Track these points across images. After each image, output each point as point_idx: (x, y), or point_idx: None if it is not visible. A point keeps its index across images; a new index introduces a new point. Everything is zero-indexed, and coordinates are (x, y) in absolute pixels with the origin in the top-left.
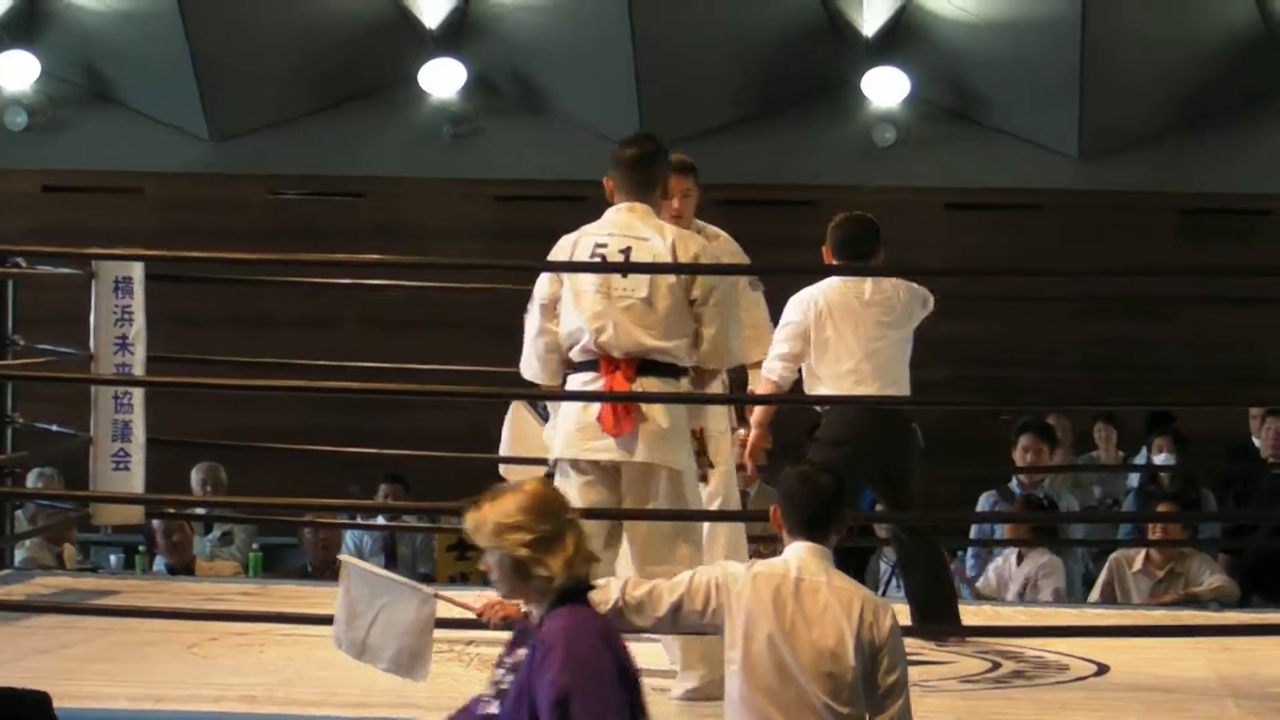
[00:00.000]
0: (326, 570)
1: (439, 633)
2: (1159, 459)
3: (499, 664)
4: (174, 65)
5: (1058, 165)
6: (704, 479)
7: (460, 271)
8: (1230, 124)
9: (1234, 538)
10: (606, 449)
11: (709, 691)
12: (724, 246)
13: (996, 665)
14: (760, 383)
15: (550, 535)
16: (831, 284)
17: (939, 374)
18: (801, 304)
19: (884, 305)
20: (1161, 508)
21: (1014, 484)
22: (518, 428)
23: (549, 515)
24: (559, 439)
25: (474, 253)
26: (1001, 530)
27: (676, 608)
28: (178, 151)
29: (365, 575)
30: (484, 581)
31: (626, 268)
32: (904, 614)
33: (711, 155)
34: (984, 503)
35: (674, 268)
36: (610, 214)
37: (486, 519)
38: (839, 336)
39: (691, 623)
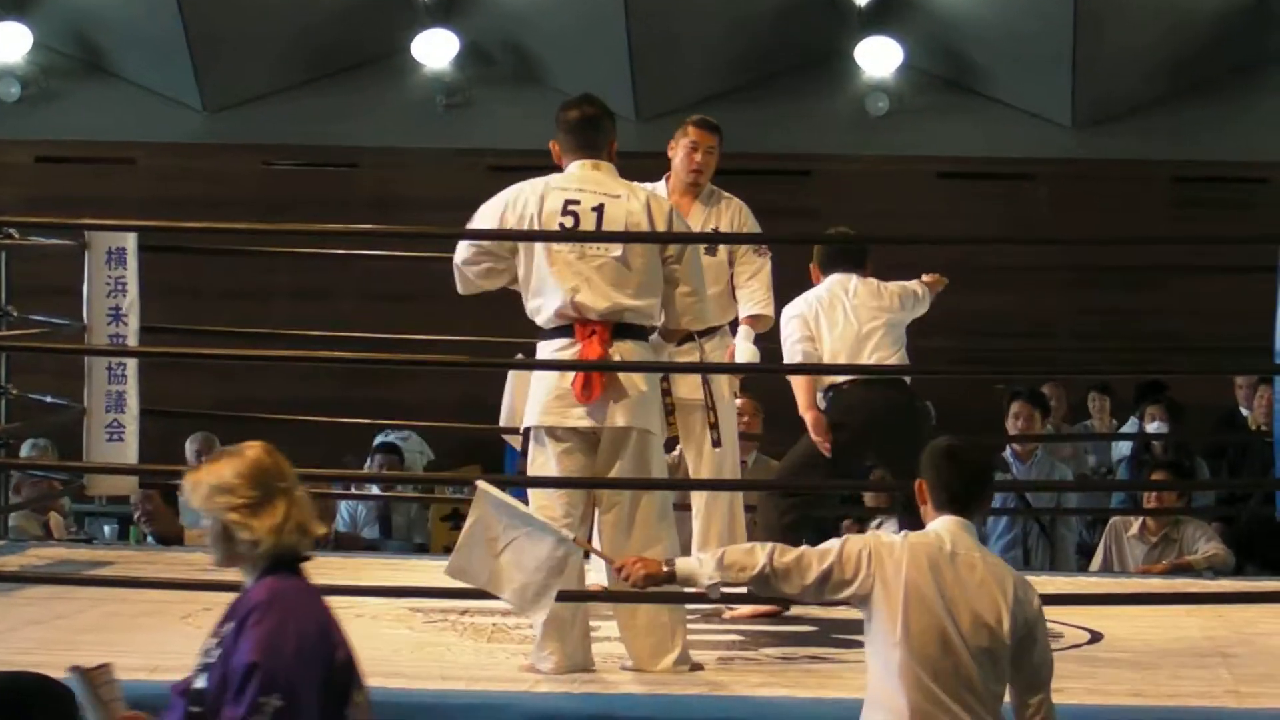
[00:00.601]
0: (321, 540)
1: (431, 602)
2: (1151, 428)
3: (213, 634)
4: (167, 35)
5: (1051, 134)
6: (669, 446)
7: (455, 241)
8: (1223, 92)
9: (1227, 506)
10: (579, 416)
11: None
12: (740, 212)
13: None
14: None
15: (258, 500)
16: (820, 289)
17: (932, 344)
18: (798, 313)
19: (873, 296)
20: (1156, 476)
21: (1008, 453)
22: (520, 392)
23: (262, 481)
24: (533, 407)
25: (468, 222)
26: (999, 500)
27: (825, 576)
28: (171, 122)
29: (502, 504)
30: None
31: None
32: None
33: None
34: None
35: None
36: (575, 168)
37: (201, 481)
38: (831, 328)
39: (838, 592)
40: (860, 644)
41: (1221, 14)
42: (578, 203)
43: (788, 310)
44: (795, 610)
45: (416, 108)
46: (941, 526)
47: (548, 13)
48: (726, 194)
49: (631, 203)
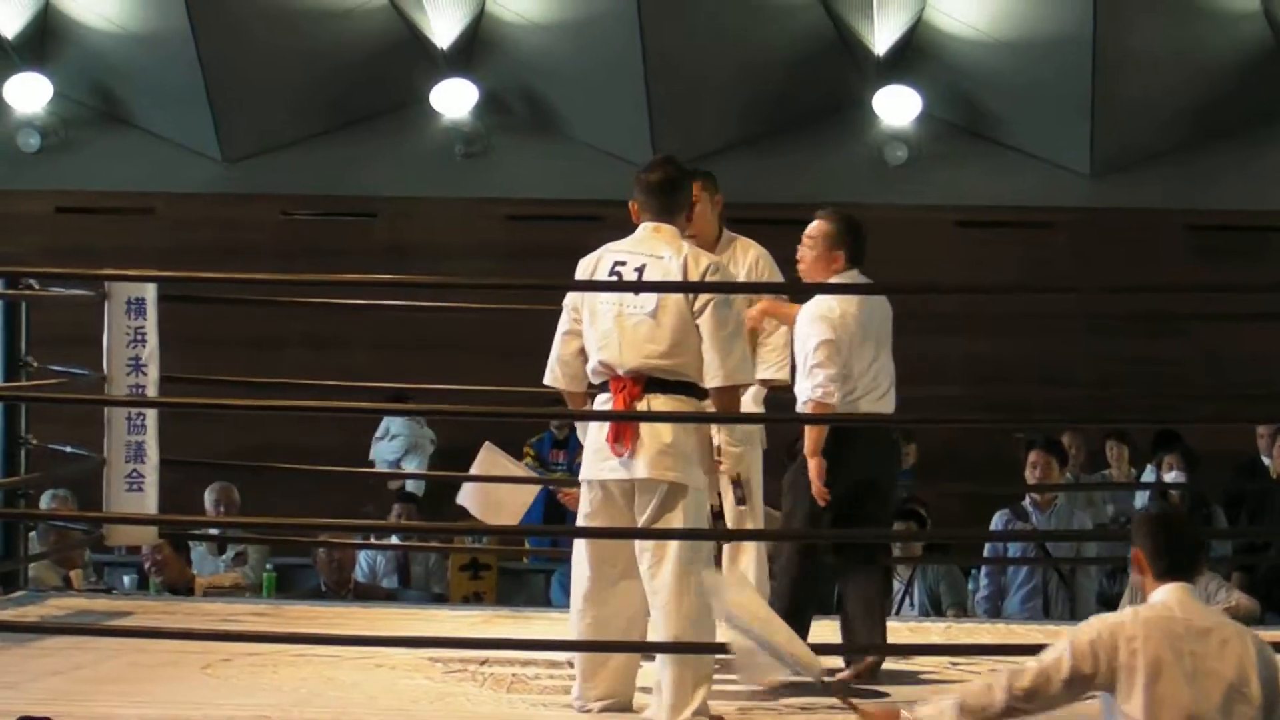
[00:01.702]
0: (341, 590)
1: (451, 652)
2: (1169, 477)
3: None
4: (186, 86)
5: (1069, 182)
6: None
7: (472, 291)
8: (1241, 140)
9: (1246, 555)
10: (613, 469)
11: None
12: (757, 260)
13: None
14: (810, 405)
15: None
16: (849, 303)
17: (950, 391)
18: (831, 319)
19: (882, 316)
20: None
21: (1027, 502)
22: (488, 469)
23: None
24: (584, 459)
25: (486, 272)
26: (1014, 549)
27: (1069, 682)
28: (190, 172)
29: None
30: (497, 601)
31: (624, 286)
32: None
33: (722, 174)
34: (997, 522)
35: (678, 286)
36: (639, 232)
37: None
38: (850, 351)
39: (1085, 690)
40: (879, 694)
41: (1238, 63)
42: (624, 264)
43: (820, 318)
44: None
45: (434, 157)
46: (1169, 596)
47: (566, 62)
48: (745, 240)
49: (671, 263)
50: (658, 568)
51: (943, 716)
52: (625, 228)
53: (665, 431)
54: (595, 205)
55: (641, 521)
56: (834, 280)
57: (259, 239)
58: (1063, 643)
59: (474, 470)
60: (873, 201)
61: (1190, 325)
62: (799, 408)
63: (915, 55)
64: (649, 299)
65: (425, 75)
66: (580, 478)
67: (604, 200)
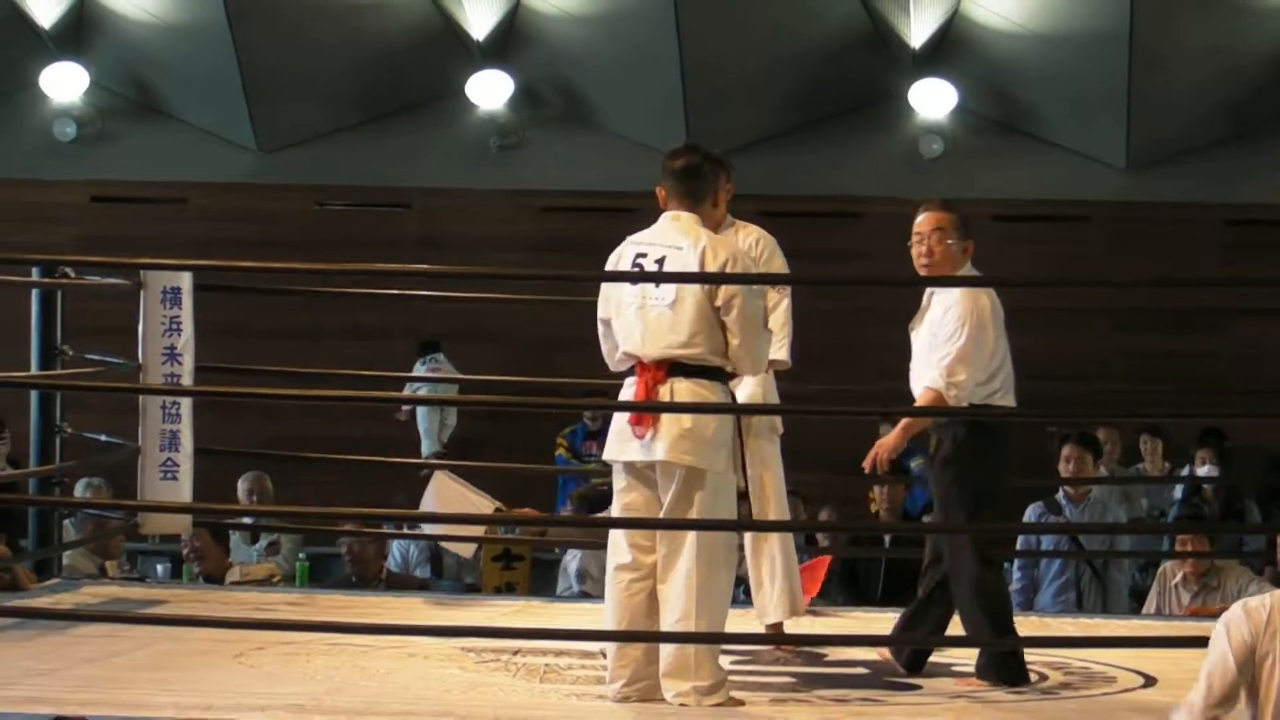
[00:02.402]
0: (371, 581)
1: (483, 642)
2: (1202, 471)
3: None
4: (221, 76)
5: (1105, 177)
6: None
7: (506, 283)
8: (1277, 135)
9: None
10: (634, 451)
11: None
12: (758, 240)
13: (1044, 677)
14: (929, 394)
15: None
16: (991, 294)
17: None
18: (982, 313)
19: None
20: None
21: (1060, 496)
22: (442, 495)
23: None
24: (608, 442)
25: (520, 263)
26: (1047, 542)
27: (1234, 686)
28: (225, 162)
29: None
30: (530, 591)
31: (644, 277)
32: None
33: (757, 166)
34: (1030, 514)
35: (697, 277)
36: (660, 222)
37: None
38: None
39: (1233, 693)
40: (913, 686)
41: (1275, 58)
42: (645, 255)
43: (978, 307)
44: (847, 653)
45: (469, 149)
46: None
47: (601, 54)
48: (747, 225)
49: (689, 254)
50: (675, 553)
51: None
52: (657, 219)
53: (685, 415)
54: (629, 197)
55: (665, 503)
56: (964, 273)
57: (293, 230)
58: (1220, 642)
59: (430, 497)
60: (907, 195)
61: (1225, 320)
62: (917, 389)
63: (951, 49)
64: (668, 290)
65: (461, 67)
66: (604, 458)
67: (638, 193)
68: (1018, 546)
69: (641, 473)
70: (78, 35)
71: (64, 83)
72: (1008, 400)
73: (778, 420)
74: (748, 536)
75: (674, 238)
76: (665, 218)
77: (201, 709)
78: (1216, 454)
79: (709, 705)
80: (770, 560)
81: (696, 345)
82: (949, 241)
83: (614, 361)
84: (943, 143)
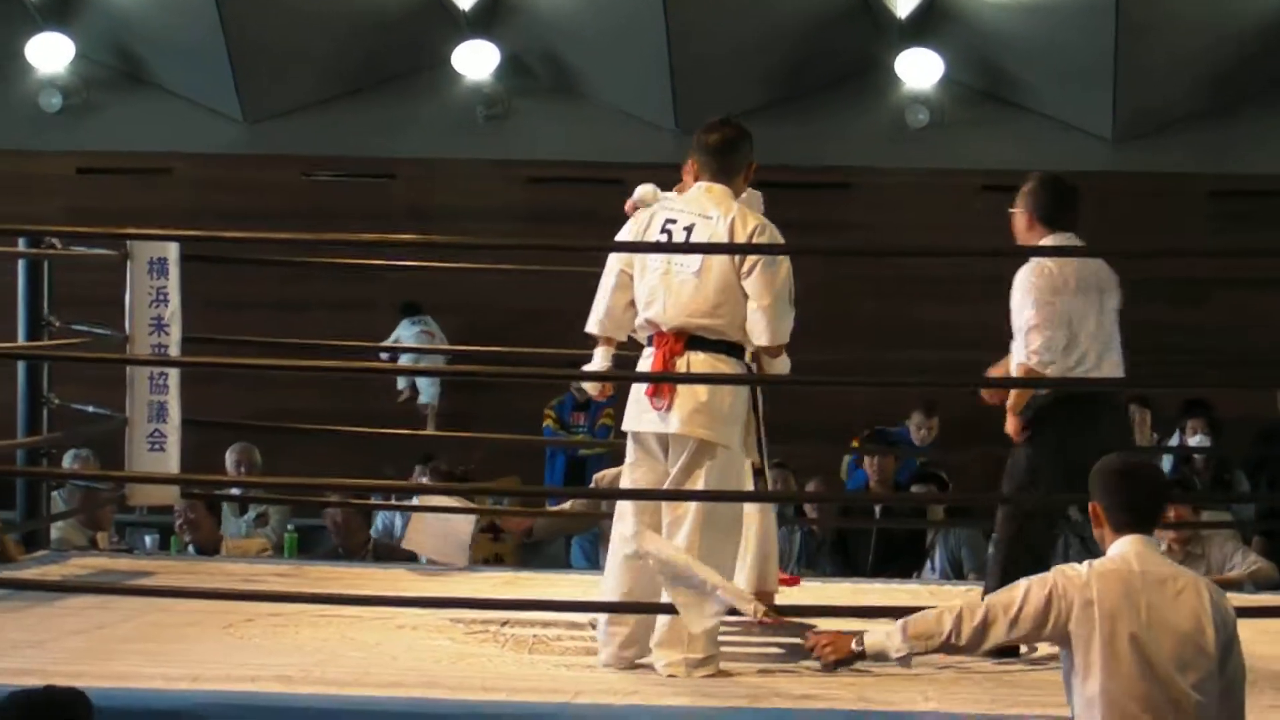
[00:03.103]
0: (357, 552)
1: (472, 613)
2: (1192, 441)
3: None
4: (207, 47)
5: (1091, 147)
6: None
7: (493, 253)
8: (1264, 106)
9: (1268, 520)
10: (650, 421)
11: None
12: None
13: (1033, 648)
14: (1020, 369)
15: None
16: (1075, 265)
17: (972, 355)
18: (1053, 281)
19: (1106, 276)
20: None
21: None
22: (421, 523)
23: None
24: (626, 412)
25: (507, 234)
26: None
27: (1018, 626)
28: (211, 133)
29: None
30: (519, 563)
31: (639, 247)
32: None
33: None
34: None
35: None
36: (692, 191)
37: None
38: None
39: (1033, 639)
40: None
41: (1263, 28)
42: (675, 222)
43: (1036, 285)
44: (838, 624)
45: (456, 119)
46: (1127, 548)
47: (588, 25)
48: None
49: (719, 224)
50: (677, 523)
51: (890, 639)
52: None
53: (701, 389)
54: (616, 168)
55: (671, 473)
56: (1044, 243)
57: (280, 200)
58: (1019, 589)
59: (414, 531)
60: (894, 165)
61: (1212, 291)
62: (1013, 370)
63: (937, 18)
64: (695, 258)
65: (447, 37)
66: (623, 428)
67: (625, 163)
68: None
69: (651, 447)
70: (63, 6)
71: (50, 53)
72: (1105, 371)
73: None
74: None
75: (705, 206)
76: (698, 187)
77: (190, 680)
78: (1207, 424)
79: (698, 676)
80: (753, 536)
81: (720, 316)
82: (1017, 211)
83: (609, 321)
84: (929, 113)
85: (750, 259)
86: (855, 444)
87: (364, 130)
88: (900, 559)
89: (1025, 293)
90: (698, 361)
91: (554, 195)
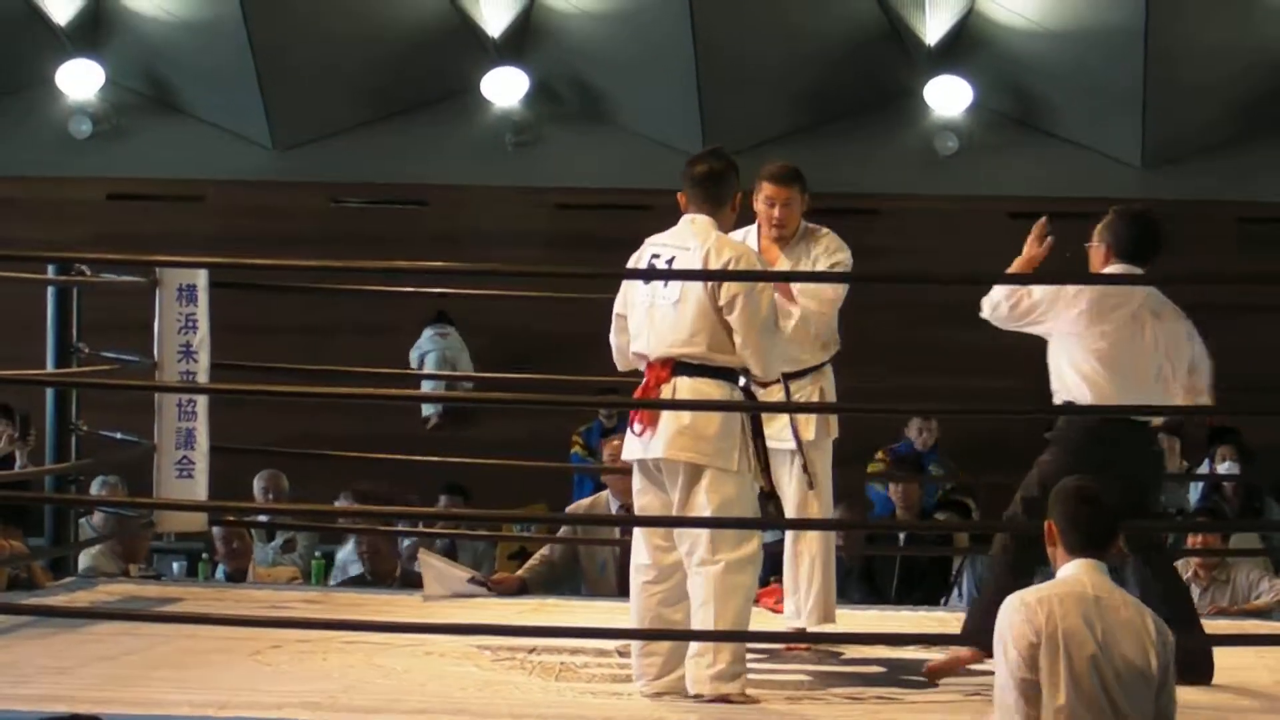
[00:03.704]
0: (386, 579)
1: (499, 640)
2: (1223, 468)
3: None
4: (237, 73)
5: (1121, 174)
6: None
7: (522, 280)
8: None
9: None
10: (633, 450)
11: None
12: (827, 246)
13: None
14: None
15: None
16: (1137, 296)
17: (1003, 384)
18: (1108, 327)
19: (1180, 320)
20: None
21: None
22: (427, 579)
23: None
24: (625, 441)
25: (535, 260)
26: None
27: (1031, 689)
28: (240, 159)
29: None
30: (545, 590)
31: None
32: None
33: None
34: None
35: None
36: (679, 224)
37: None
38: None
39: (1030, 672)
40: (929, 685)
41: None
42: (659, 256)
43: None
44: (863, 651)
45: (485, 145)
46: (1081, 571)
47: (617, 51)
48: (823, 230)
49: (695, 255)
50: (692, 550)
51: None
52: (673, 217)
53: (685, 413)
54: (644, 194)
55: (675, 503)
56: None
57: (309, 227)
58: (1009, 643)
59: (426, 577)
60: (923, 192)
61: (1241, 317)
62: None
63: (967, 45)
64: (674, 290)
65: (476, 63)
66: (624, 457)
67: (653, 189)
68: None
69: (653, 474)
70: (94, 32)
71: (80, 80)
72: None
73: (833, 423)
74: (787, 537)
75: (685, 239)
76: (684, 220)
77: (217, 707)
78: (1236, 451)
79: (723, 691)
80: (809, 563)
81: (696, 344)
82: (1093, 243)
83: (622, 359)
84: (958, 140)
85: (728, 294)
86: (871, 469)
87: (393, 157)
88: (924, 585)
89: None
90: (683, 386)
91: (582, 221)
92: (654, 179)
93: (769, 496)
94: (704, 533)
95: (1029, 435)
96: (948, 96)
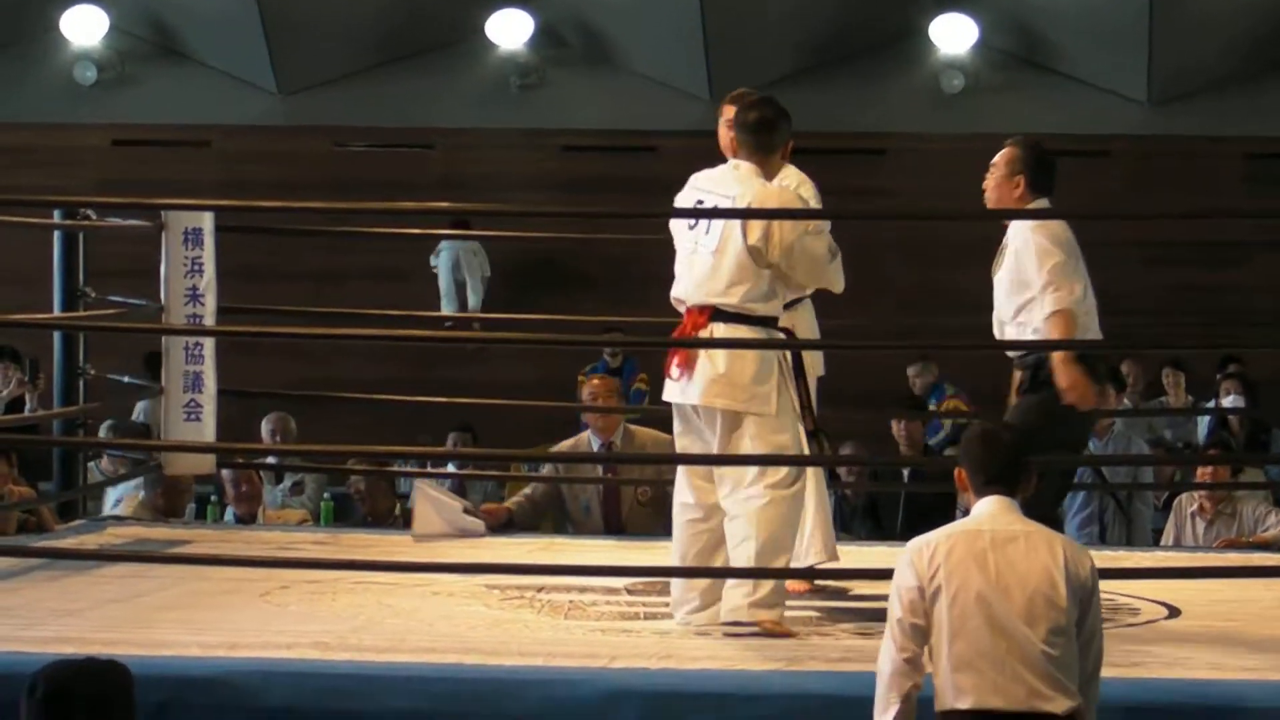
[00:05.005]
0: (385, 520)
1: (508, 579)
2: (1227, 402)
3: None
4: (241, 19)
5: (1127, 110)
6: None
7: (528, 221)
8: None
9: None
10: (677, 393)
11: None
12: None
13: None
14: (1060, 323)
15: None
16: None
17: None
18: (1061, 243)
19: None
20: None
21: None
22: (420, 510)
23: None
24: (665, 383)
25: (542, 203)
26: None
27: (913, 629)
28: (245, 105)
29: None
30: (555, 529)
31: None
32: None
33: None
34: None
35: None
36: (722, 168)
37: None
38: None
39: (920, 620)
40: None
41: None
42: (703, 201)
43: (1056, 236)
44: (872, 587)
45: (490, 89)
46: (983, 508)
47: None
48: (791, 169)
49: (739, 204)
50: (735, 490)
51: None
52: (679, 159)
53: (720, 360)
54: (650, 136)
55: (716, 447)
56: (1033, 207)
57: (314, 172)
58: (894, 587)
59: (416, 512)
60: (929, 131)
61: (1248, 252)
62: (1004, 330)
63: None
64: (714, 238)
65: (481, 6)
66: (664, 398)
67: (659, 131)
68: None
69: (691, 418)
70: None
71: (84, 26)
72: (1091, 336)
73: (818, 361)
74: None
75: (729, 186)
76: (727, 165)
77: (227, 648)
78: (1241, 385)
79: (760, 618)
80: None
81: (732, 295)
82: (993, 178)
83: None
84: (964, 78)
85: (781, 249)
86: None
87: (397, 101)
88: (930, 522)
89: (1043, 251)
90: (720, 332)
91: (588, 164)
92: (659, 121)
93: (813, 435)
94: (746, 472)
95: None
96: (953, 35)
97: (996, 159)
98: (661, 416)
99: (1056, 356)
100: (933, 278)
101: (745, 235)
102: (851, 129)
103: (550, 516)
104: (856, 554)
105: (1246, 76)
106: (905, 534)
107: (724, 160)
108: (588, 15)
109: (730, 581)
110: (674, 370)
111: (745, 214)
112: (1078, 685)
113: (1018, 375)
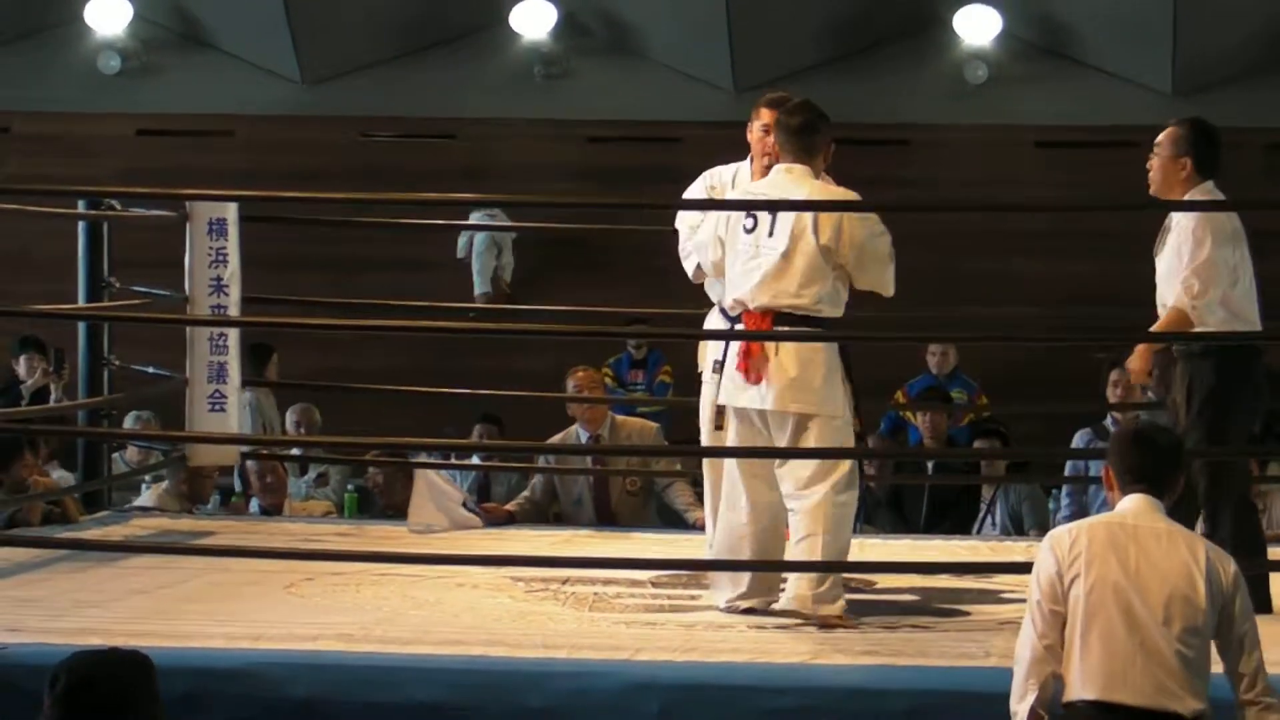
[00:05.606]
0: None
1: (533, 571)
2: None
3: None
4: (266, 7)
5: (1150, 101)
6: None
7: (552, 212)
8: None
9: None
10: (749, 399)
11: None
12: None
13: None
14: (1171, 318)
15: None
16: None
17: (1032, 311)
18: (1232, 230)
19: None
20: None
21: (1109, 421)
22: (417, 498)
23: None
24: (723, 387)
25: (566, 193)
26: (1095, 468)
27: (1053, 618)
28: (269, 94)
29: None
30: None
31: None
32: None
33: (803, 95)
34: (1079, 441)
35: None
36: (774, 173)
37: None
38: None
39: (1057, 609)
40: (962, 613)
41: None
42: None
43: (1201, 244)
44: (899, 580)
45: (514, 78)
46: (1127, 505)
47: None
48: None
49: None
50: (800, 488)
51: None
52: (702, 149)
53: (791, 366)
54: (674, 126)
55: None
56: (1190, 196)
57: (338, 161)
58: (1033, 578)
59: (413, 499)
60: (953, 121)
61: (1270, 244)
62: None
63: None
64: (781, 239)
65: None
66: (720, 401)
67: (683, 121)
68: (1066, 473)
69: (753, 421)
70: None
71: (108, 16)
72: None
73: None
74: None
75: (785, 189)
76: (779, 169)
77: (251, 639)
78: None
79: (823, 612)
80: None
81: (805, 296)
82: (1158, 158)
83: (699, 274)
84: (987, 69)
85: (851, 247)
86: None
87: (422, 90)
88: (953, 514)
89: (1197, 240)
90: (784, 338)
91: (612, 154)
92: (683, 112)
93: (860, 436)
94: (806, 470)
95: (1061, 362)
96: (977, 25)
97: (1160, 138)
98: (689, 410)
99: (1140, 345)
100: (955, 267)
101: (817, 235)
102: (875, 119)
103: (554, 511)
104: (881, 547)
105: (1270, 68)
106: (928, 527)
107: (747, 152)
108: (611, 5)
109: (795, 574)
110: (741, 376)
111: (777, 205)
112: (1206, 688)
113: (1179, 367)
